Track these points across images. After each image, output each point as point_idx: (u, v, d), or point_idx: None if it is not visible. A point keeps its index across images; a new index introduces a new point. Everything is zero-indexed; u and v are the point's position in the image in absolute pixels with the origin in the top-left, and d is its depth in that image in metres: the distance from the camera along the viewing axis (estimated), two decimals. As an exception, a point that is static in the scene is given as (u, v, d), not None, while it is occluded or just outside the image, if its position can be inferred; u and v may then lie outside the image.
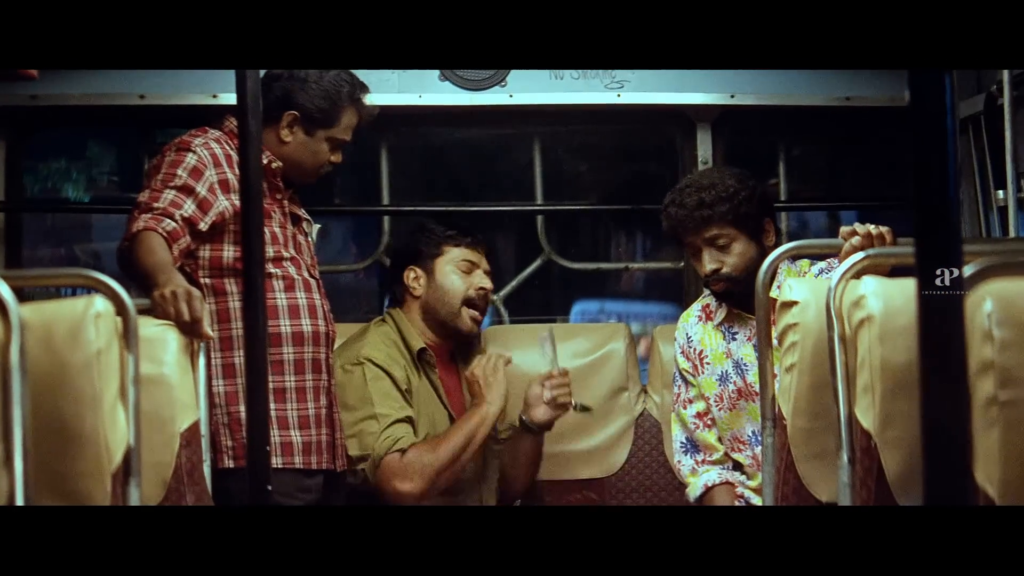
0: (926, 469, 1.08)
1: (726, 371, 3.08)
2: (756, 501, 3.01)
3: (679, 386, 3.21)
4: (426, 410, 3.11)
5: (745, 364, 3.05)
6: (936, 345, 1.10)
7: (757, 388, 2.94)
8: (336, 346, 3.10)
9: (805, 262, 3.04)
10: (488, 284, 3.25)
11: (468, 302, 3.20)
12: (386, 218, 3.93)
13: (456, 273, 3.20)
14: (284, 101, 2.91)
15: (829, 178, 4.69)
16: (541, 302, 4.69)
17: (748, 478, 3.08)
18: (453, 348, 3.31)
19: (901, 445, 1.80)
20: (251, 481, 1.53)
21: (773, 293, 2.38)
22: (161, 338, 2.20)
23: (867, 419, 1.85)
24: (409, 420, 3.02)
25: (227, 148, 2.83)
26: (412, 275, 3.24)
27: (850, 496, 1.90)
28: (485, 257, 3.28)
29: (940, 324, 1.10)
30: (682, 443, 3.19)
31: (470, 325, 3.22)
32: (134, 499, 1.88)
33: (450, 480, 2.98)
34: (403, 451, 2.94)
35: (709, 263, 2.99)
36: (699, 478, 3.12)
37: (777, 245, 2.91)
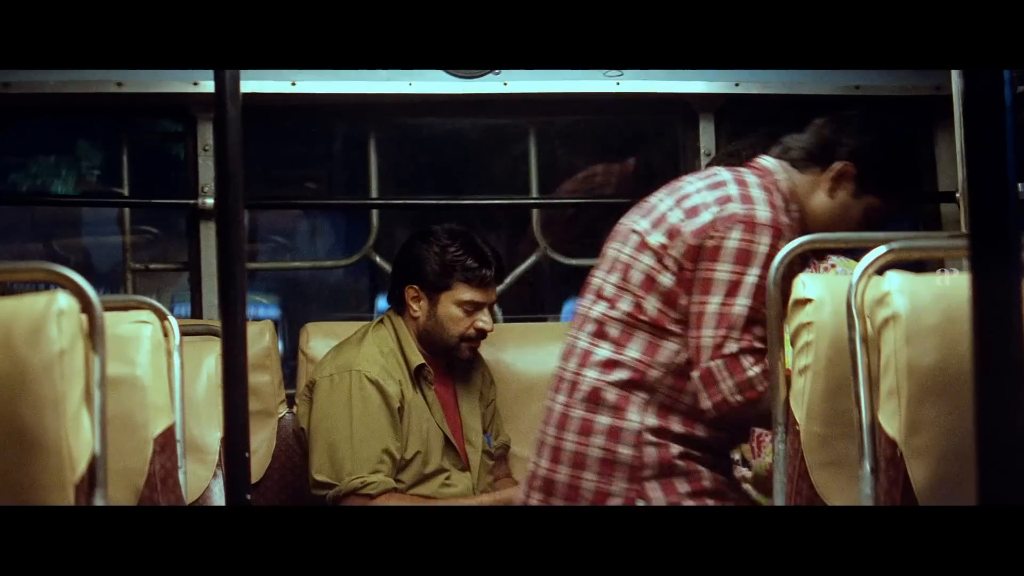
0: (980, 480, 0.98)
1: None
2: (755, 495, 2.91)
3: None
4: (418, 425, 3.03)
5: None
6: (993, 344, 0.99)
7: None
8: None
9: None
10: (489, 325, 3.14)
11: (465, 339, 3.12)
12: (375, 212, 3.81)
13: (460, 312, 3.09)
14: (833, 147, 2.45)
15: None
16: (535, 300, 4.59)
17: (749, 469, 2.97)
18: (450, 362, 3.23)
19: (930, 454, 1.68)
20: (229, 490, 1.46)
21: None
22: (133, 337, 2.08)
23: (892, 426, 1.72)
24: (387, 452, 2.94)
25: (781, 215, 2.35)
26: (413, 294, 3.12)
27: (873, 508, 1.78)
28: (495, 289, 3.18)
29: (998, 321, 0.99)
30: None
31: (467, 356, 3.16)
32: (100, 511, 1.76)
33: None
34: (371, 496, 2.88)
35: None
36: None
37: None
